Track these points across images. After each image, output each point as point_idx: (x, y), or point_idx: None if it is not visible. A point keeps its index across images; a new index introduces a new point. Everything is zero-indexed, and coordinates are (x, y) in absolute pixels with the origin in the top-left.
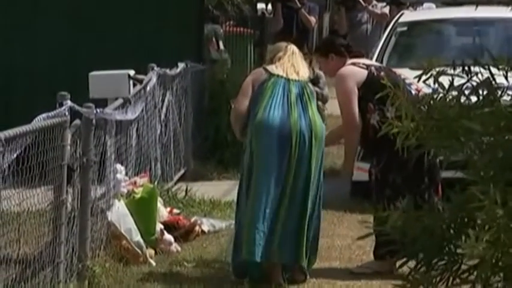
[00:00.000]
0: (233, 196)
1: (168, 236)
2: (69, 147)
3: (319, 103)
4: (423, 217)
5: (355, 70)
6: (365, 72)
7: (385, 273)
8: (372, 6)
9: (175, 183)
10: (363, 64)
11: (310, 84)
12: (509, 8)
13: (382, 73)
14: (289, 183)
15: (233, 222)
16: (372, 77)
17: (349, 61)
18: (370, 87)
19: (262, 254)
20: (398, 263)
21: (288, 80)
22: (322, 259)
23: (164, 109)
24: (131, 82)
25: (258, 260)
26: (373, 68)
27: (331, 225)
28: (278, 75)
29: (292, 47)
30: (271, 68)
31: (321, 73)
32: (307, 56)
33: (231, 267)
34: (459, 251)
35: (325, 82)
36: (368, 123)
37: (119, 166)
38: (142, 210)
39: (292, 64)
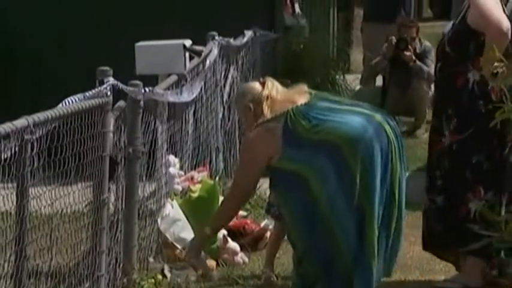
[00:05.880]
0: None
1: (232, 244)
2: (111, 134)
3: (424, 85)
4: None
5: None
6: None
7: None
8: None
9: None
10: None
11: None
12: None
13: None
14: (397, 197)
15: None
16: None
17: None
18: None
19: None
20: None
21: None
22: (397, 269)
23: (227, 88)
24: (187, 55)
25: None
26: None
27: (409, 228)
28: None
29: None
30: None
31: (430, 46)
32: (412, 23)
33: None
34: None
35: (433, 58)
36: (465, 81)
37: (172, 158)
38: (200, 212)
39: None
